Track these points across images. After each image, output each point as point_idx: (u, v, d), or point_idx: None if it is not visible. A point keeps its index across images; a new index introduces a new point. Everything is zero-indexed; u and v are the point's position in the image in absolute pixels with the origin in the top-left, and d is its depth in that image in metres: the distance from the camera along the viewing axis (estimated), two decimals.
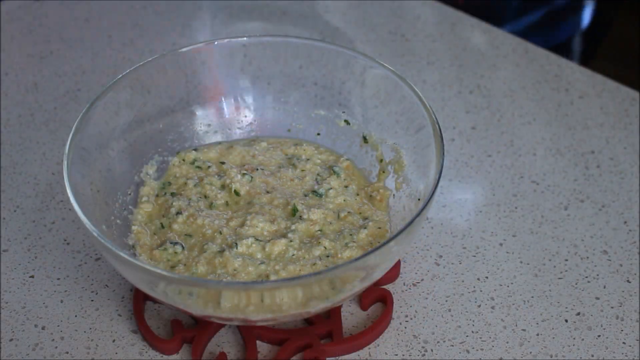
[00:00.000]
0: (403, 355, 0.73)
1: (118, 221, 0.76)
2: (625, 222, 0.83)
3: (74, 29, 1.06)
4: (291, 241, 0.74)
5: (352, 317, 0.76)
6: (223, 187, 0.79)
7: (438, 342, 0.74)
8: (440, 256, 0.80)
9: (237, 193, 0.79)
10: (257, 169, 0.80)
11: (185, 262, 0.73)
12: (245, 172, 0.80)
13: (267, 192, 0.79)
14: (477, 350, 0.74)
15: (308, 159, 0.82)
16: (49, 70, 1.00)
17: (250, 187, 0.79)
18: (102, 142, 0.77)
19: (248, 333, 0.73)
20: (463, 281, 0.78)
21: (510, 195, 0.85)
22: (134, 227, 0.76)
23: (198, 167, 0.82)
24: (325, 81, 0.83)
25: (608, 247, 0.81)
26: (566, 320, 0.75)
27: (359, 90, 0.82)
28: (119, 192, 0.77)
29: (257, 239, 0.74)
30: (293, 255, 0.73)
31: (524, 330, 0.75)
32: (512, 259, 0.80)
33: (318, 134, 0.84)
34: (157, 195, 0.79)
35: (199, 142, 0.83)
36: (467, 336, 0.74)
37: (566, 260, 0.80)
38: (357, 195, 0.79)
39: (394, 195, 0.78)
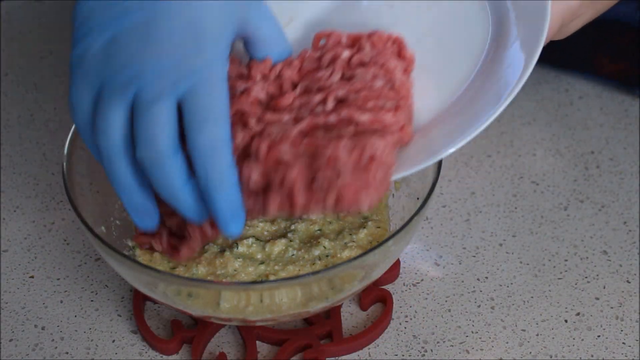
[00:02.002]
0: (403, 355, 0.73)
1: (117, 222, 0.76)
2: (625, 223, 0.82)
3: None
4: (291, 241, 0.74)
5: (351, 317, 0.76)
6: None
7: (438, 342, 0.74)
8: (440, 256, 0.80)
9: None
10: None
11: (186, 263, 0.73)
12: None
13: None
14: (477, 350, 0.74)
15: None
16: (49, 71, 1.00)
17: None
18: None
19: (248, 333, 0.73)
20: (463, 281, 0.78)
21: (510, 196, 0.85)
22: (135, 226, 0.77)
23: None
24: None
25: (608, 248, 0.81)
26: (566, 321, 0.75)
27: None
28: None
29: (257, 239, 0.74)
30: (293, 255, 0.73)
31: (523, 330, 0.75)
32: (511, 259, 0.80)
33: None
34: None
35: None
36: (467, 336, 0.74)
37: (566, 260, 0.80)
38: None
39: (393, 195, 0.78)
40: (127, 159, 0.62)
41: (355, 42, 0.69)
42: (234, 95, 0.65)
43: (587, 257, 0.80)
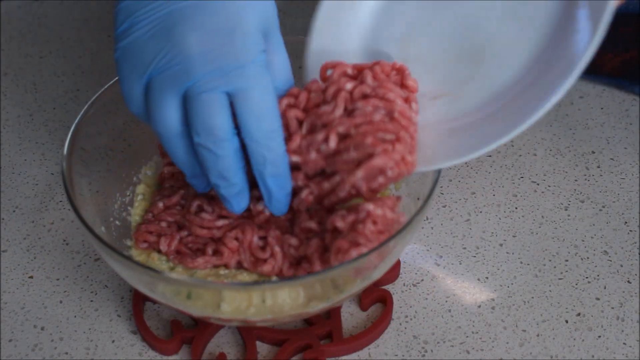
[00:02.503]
0: (403, 355, 0.73)
1: (117, 222, 0.75)
2: (625, 223, 0.82)
3: (73, 28, 1.06)
4: None
5: (352, 318, 0.76)
6: None
7: (438, 342, 0.74)
8: (440, 256, 0.80)
9: None
10: None
11: (193, 268, 0.73)
12: None
13: None
14: (477, 350, 0.73)
15: None
16: (48, 70, 1.00)
17: None
18: (101, 142, 0.76)
19: (248, 334, 0.73)
20: (463, 282, 0.78)
21: (511, 196, 0.85)
22: (134, 225, 0.76)
23: None
24: None
25: (608, 248, 0.81)
26: (566, 321, 0.75)
27: None
28: (117, 193, 0.77)
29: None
30: None
31: (524, 330, 0.75)
32: (512, 259, 0.80)
33: None
34: (153, 194, 0.79)
35: None
36: (467, 337, 0.74)
37: (566, 260, 0.80)
38: None
39: (393, 194, 0.78)
40: (184, 140, 0.65)
41: (360, 73, 0.70)
42: None
43: (587, 257, 0.80)
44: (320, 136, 0.67)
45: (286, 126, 0.69)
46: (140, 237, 0.74)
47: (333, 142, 0.67)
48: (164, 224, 0.74)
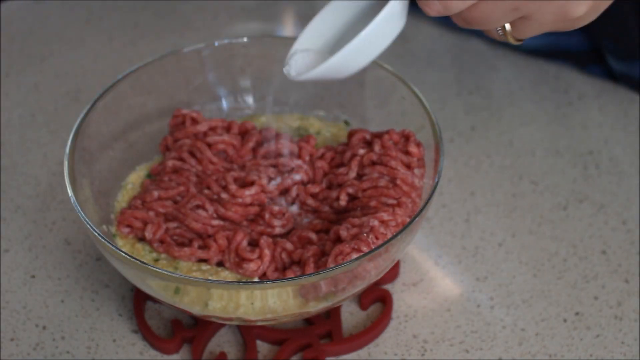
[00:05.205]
0: (402, 354, 0.73)
1: None
2: (623, 222, 0.83)
3: (74, 29, 1.06)
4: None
5: (351, 317, 0.76)
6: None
7: (437, 341, 0.74)
8: (440, 256, 0.81)
9: None
10: None
11: (166, 257, 0.73)
12: None
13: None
14: (477, 350, 0.74)
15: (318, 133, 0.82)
16: (50, 71, 1.00)
17: None
18: (102, 142, 0.77)
19: (248, 333, 0.74)
20: (462, 281, 0.79)
21: (510, 196, 0.85)
22: (118, 210, 0.76)
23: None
24: (325, 81, 0.83)
25: (607, 247, 0.81)
26: (565, 320, 0.76)
27: (358, 90, 0.83)
28: (118, 192, 0.78)
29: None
30: None
31: (523, 330, 0.75)
32: (511, 259, 0.80)
33: (318, 133, 0.84)
34: (142, 183, 0.79)
35: None
36: (467, 336, 0.75)
37: (565, 260, 0.80)
38: None
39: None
40: None
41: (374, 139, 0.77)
42: (285, 171, 0.76)
43: (586, 257, 0.80)
44: (334, 193, 0.75)
45: (314, 172, 0.77)
46: (124, 220, 0.73)
47: (343, 202, 0.74)
48: (152, 213, 0.74)
